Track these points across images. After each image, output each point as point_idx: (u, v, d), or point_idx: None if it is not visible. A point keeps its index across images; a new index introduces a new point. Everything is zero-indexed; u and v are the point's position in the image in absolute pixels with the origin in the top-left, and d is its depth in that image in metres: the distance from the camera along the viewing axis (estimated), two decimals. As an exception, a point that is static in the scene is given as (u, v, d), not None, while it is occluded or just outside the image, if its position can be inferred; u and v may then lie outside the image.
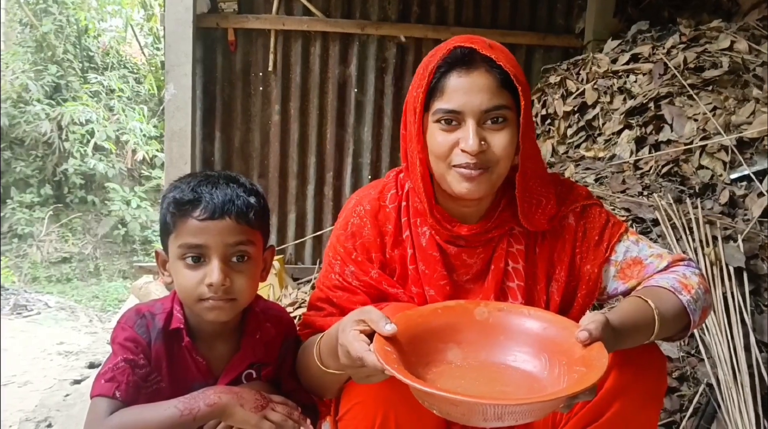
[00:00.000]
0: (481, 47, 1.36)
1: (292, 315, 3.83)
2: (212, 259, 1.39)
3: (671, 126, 3.47)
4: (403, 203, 1.55)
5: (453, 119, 1.38)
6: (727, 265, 2.57)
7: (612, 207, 2.92)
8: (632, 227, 2.58)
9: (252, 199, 1.43)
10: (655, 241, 2.67)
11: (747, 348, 2.38)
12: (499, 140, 1.38)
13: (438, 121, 1.39)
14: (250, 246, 1.43)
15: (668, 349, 2.39)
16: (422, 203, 1.47)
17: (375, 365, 1.14)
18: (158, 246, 1.52)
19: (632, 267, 1.52)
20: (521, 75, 1.38)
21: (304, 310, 3.58)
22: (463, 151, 1.37)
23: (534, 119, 4.30)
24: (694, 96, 3.46)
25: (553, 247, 1.53)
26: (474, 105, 1.35)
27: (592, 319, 1.19)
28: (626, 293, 1.52)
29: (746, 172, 3.06)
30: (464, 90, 1.36)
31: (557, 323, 1.28)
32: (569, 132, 4.01)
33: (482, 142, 1.36)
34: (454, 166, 1.39)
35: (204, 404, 1.37)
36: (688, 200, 2.94)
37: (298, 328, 1.63)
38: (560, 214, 1.53)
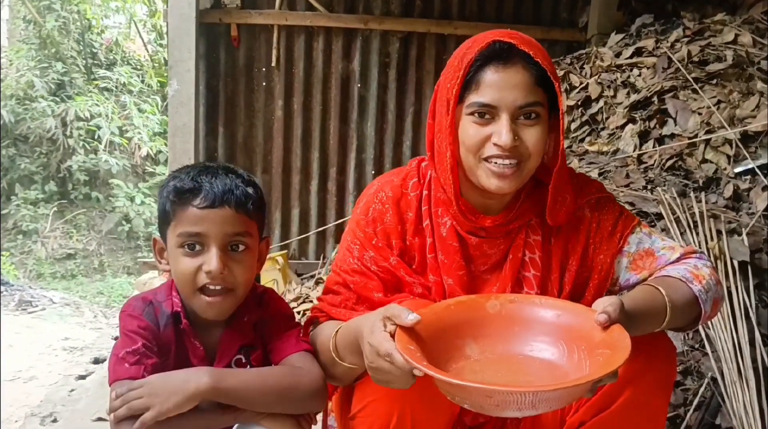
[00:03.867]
0: (520, 43, 1.36)
1: (296, 310, 3.85)
2: (211, 247, 1.40)
3: (675, 120, 3.45)
4: (425, 192, 1.56)
5: (487, 113, 1.37)
6: (731, 259, 2.56)
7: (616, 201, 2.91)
8: (636, 221, 2.58)
9: (250, 190, 1.45)
10: (659, 235, 2.67)
11: (751, 342, 2.37)
12: (532, 136, 1.38)
13: (472, 113, 1.39)
14: (247, 236, 1.44)
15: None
16: (448, 194, 1.47)
17: (402, 364, 1.14)
18: (156, 235, 1.53)
19: (644, 258, 1.53)
20: (555, 72, 1.39)
21: (308, 305, 3.60)
22: (495, 145, 1.37)
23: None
24: (698, 90, 3.45)
25: (568, 238, 1.54)
26: (509, 100, 1.35)
27: (609, 302, 1.19)
28: (638, 284, 1.52)
29: (750, 166, 3.05)
30: (500, 85, 1.35)
31: (571, 310, 1.29)
32: (573, 126, 4.00)
33: (515, 138, 1.36)
34: (485, 158, 1.39)
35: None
36: (692, 194, 2.93)
37: (311, 312, 1.63)
38: (576, 206, 1.54)
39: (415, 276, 1.52)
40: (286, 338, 1.53)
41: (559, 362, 1.25)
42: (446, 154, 1.43)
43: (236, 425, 1.42)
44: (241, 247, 1.44)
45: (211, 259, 1.39)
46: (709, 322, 2.41)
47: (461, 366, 1.25)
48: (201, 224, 1.39)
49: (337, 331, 1.42)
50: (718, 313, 2.40)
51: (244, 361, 1.54)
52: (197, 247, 1.41)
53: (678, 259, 1.50)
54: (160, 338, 1.46)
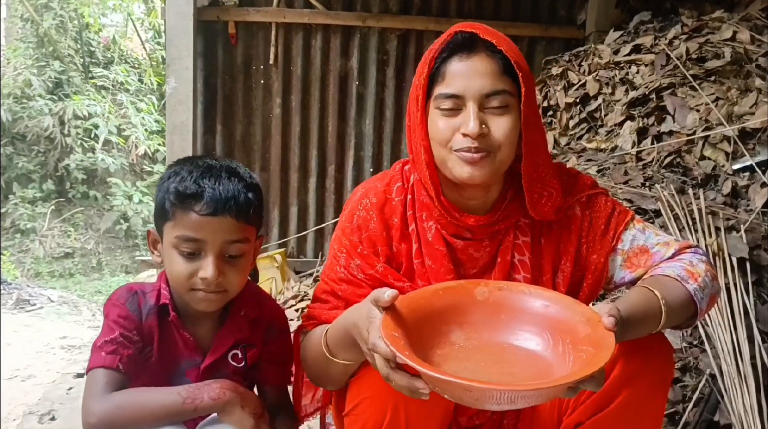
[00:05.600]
0: (483, 32, 1.36)
1: (294, 308, 3.85)
2: (208, 254, 1.40)
3: (673, 117, 3.45)
4: (409, 196, 1.54)
5: (454, 104, 1.36)
6: (729, 256, 2.56)
7: (615, 198, 2.91)
8: (634, 218, 2.58)
9: (251, 195, 1.44)
10: (658, 232, 2.67)
11: (750, 338, 2.37)
12: (500, 125, 1.37)
13: (439, 106, 1.38)
14: (245, 243, 1.44)
15: (671, 339, 2.38)
16: (428, 191, 1.46)
17: (386, 351, 1.13)
18: (151, 226, 1.53)
19: (639, 256, 1.51)
20: (523, 62, 1.37)
21: (306, 303, 3.59)
22: (464, 134, 1.35)
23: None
24: (697, 87, 3.45)
25: (559, 239, 1.52)
26: (475, 89, 1.34)
27: (607, 309, 1.18)
28: (633, 282, 1.51)
29: (749, 163, 3.05)
30: (465, 74, 1.35)
31: (559, 301, 1.28)
32: (571, 123, 4.00)
33: (483, 126, 1.35)
34: (456, 150, 1.38)
35: (208, 396, 1.38)
36: (690, 191, 2.93)
37: (302, 320, 1.62)
38: (566, 204, 1.52)
39: (404, 280, 1.50)
40: (282, 362, 1.58)
41: (543, 354, 1.24)
42: (420, 151, 1.42)
43: (204, 421, 1.43)
44: (238, 254, 1.44)
45: (208, 267, 1.40)
46: (707, 320, 2.41)
47: (446, 352, 1.24)
48: (200, 231, 1.39)
49: (327, 329, 1.41)
50: (717, 311, 2.40)
51: (240, 356, 1.55)
52: (195, 252, 1.41)
53: (673, 256, 1.48)
54: (141, 328, 1.46)
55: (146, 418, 1.34)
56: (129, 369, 1.40)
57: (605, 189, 1.61)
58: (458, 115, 1.37)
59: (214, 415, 1.41)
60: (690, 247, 1.51)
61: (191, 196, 1.39)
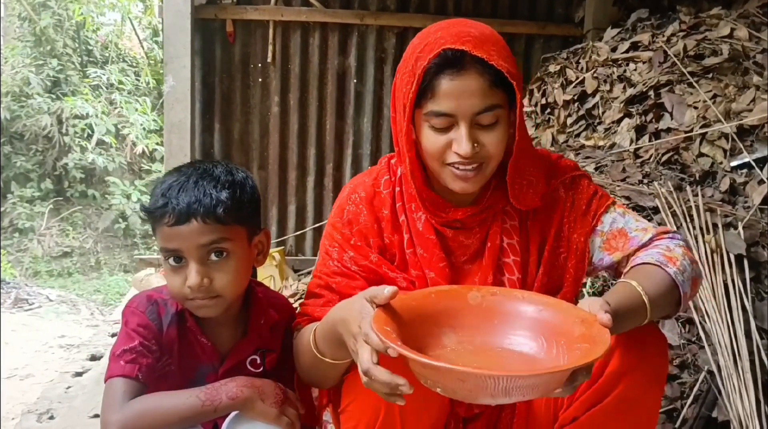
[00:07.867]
0: (473, 47, 1.32)
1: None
2: (189, 262, 1.40)
3: (671, 114, 3.46)
4: (397, 189, 1.55)
5: (446, 121, 1.36)
6: (727, 253, 2.57)
7: (612, 195, 2.92)
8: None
9: (223, 195, 1.40)
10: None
11: (748, 335, 2.37)
12: (492, 139, 1.37)
13: (430, 121, 1.38)
14: (225, 242, 1.42)
15: (669, 336, 2.39)
16: (415, 195, 1.48)
17: (377, 344, 1.13)
18: None
19: (617, 238, 1.52)
20: (514, 68, 1.35)
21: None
22: (456, 152, 1.36)
23: (534, 109, 4.29)
24: (694, 84, 3.45)
25: (543, 219, 1.54)
26: (466, 108, 1.33)
27: (600, 303, 1.18)
28: (611, 266, 1.53)
29: (746, 160, 3.06)
30: (456, 93, 1.33)
31: (552, 305, 1.28)
32: (569, 121, 4.00)
33: (475, 145, 1.35)
34: (448, 164, 1.39)
35: (226, 396, 1.39)
36: (688, 188, 2.94)
37: (297, 317, 1.63)
38: (551, 188, 1.54)
39: (397, 271, 1.51)
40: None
41: (537, 356, 1.24)
42: (406, 160, 1.43)
43: (229, 417, 1.43)
44: (223, 254, 1.42)
45: (190, 274, 1.40)
46: (705, 315, 2.41)
47: (437, 354, 1.24)
48: (174, 241, 1.40)
49: (315, 327, 1.41)
50: (715, 307, 2.41)
51: (258, 362, 1.56)
52: (181, 260, 1.41)
53: (650, 241, 1.49)
54: (160, 338, 1.46)
55: (167, 423, 1.35)
56: (148, 378, 1.40)
57: (587, 172, 1.63)
58: (449, 131, 1.37)
59: (237, 412, 1.42)
60: (667, 232, 1.53)
61: (159, 210, 1.39)
